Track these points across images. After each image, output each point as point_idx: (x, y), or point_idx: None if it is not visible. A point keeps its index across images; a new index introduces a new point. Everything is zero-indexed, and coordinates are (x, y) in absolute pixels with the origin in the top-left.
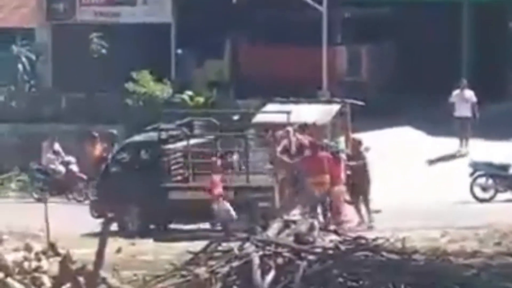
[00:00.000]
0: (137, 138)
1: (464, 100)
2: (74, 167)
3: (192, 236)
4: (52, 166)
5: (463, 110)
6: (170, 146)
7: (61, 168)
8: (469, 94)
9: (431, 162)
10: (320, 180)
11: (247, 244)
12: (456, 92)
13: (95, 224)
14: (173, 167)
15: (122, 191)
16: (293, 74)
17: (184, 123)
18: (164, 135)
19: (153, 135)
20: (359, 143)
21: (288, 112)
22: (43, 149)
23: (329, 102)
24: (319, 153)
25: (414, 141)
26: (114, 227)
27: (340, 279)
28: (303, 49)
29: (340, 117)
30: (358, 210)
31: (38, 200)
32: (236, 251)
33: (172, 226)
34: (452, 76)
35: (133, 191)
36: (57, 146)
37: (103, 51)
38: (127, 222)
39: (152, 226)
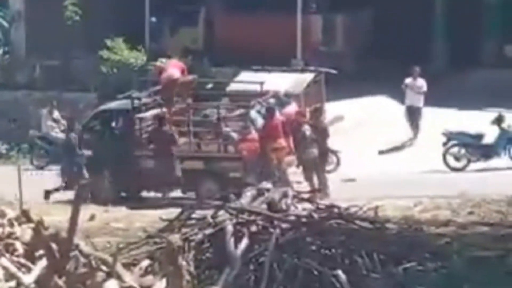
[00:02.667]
0: (110, 105)
1: (416, 88)
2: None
3: (165, 203)
4: (53, 134)
5: (414, 100)
6: (143, 114)
7: (61, 136)
8: (421, 83)
9: (405, 131)
10: (276, 146)
11: (221, 212)
12: (408, 80)
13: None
14: (144, 136)
15: (94, 159)
16: (268, 43)
17: (156, 91)
18: (136, 103)
19: (125, 103)
20: (316, 110)
21: (261, 83)
22: (42, 117)
23: (303, 71)
24: (274, 117)
25: (389, 110)
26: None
27: (313, 247)
28: (278, 17)
29: (314, 86)
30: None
31: (38, 167)
32: (209, 218)
33: (143, 194)
34: (427, 45)
35: (104, 159)
36: (56, 114)
37: (77, 18)
38: (99, 190)
39: (123, 194)
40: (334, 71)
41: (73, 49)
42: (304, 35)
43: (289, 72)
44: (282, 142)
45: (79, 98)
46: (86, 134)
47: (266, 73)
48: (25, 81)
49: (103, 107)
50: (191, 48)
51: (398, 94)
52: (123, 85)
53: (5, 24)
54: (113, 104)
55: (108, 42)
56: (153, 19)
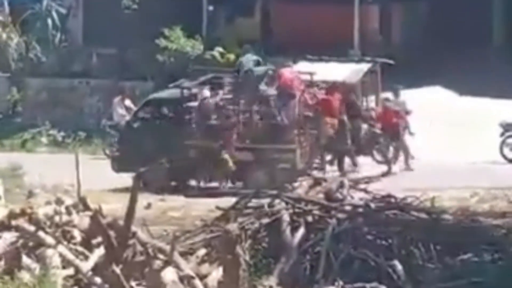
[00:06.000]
0: (160, 94)
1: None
2: None
3: (221, 192)
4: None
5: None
6: (192, 103)
7: None
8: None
9: (462, 121)
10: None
11: (277, 201)
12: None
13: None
14: (194, 125)
15: (143, 147)
16: (325, 33)
17: (206, 80)
18: (186, 92)
19: (175, 92)
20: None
21: (311, 73)
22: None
23: (359, 61)
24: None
25: (445, 101)
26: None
27: (370, 237)
28: (335, 7)
29: (371, 76)
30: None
31: (108, 157)
32: (266, 208)
33: (193, 183)
34: (485, 35)
35: (154, 148)
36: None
37: (135, 6)
38: (151, 178)
39: (173, 183)
40: (390, 61)
41: (129, 38)
42: (361, 25)
43: (346, 62)
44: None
45: (135, 86)
46: (137, 122)
47: (323, 63)
48: (81, 69)
49: (153, 96)
50: (247, 38)
51: (454, 84)
52: (180, 74)
53: (63, 11)
54: (163, 93)
55: (165, 31)
56: (211, 8)
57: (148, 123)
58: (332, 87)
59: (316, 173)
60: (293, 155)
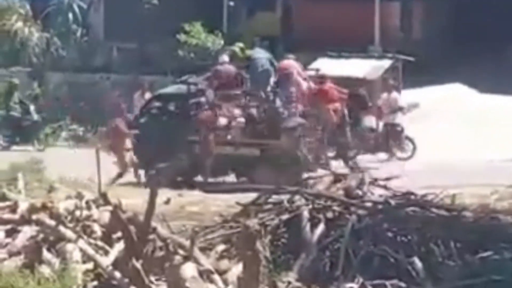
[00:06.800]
0: (167, 90)
1: (389, 104)
2: None
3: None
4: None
5: (389, 117)
6: (199, 99)
7: None
8: (395, 97)
9: (481, 119)
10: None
11: (297, 197)
12: (383, 95)
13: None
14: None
15: (150, 142)
16: (345, 29)
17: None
18: (193, 88)
19: (183, 87)
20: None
21: (317, 70)
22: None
23: (380, 57)
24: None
25: (465, 98)
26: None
27: (390, 234)
28: (356, 3)
29: (391, 73)
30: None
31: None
32: (286, 203)
33: (198, 179)
34: (505, 33)
35: (160, 143)
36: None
37: (155, 1)
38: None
39: (179, 179)
40: (411, 58)
41: (150, 33)
42: (382, 21)
43: (367, 59)
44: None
45: (155, 81)
46: (143, 118)
47: (343, 59)
48: (102, 64)
49: (160, 91)
50: (268, 33)
51: (474, 81)
52: (200, 69)
53: (84, 6)
54: (170, 89)
55: (186, 26)
56: (231, 3)
57: (155, 118)
58: (319, 77)
59: (320, 169)
60: (298, 151)
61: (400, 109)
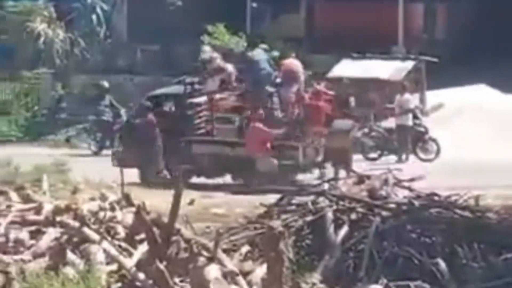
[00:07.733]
0: (162, 90)
1: (401, 104)
2: None
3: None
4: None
5: (402, 118)
6: (195, 99)
7: None
8: (407, 98)
9: (506, 120)
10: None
11: (321, 199)
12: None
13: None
14: (196, 121)
15: (145, 143)
16: (369, 30)
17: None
18: (189, 88)
19: (179, 87)
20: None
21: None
22: None
23: (404, 58)
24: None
25: (489, 99)
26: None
27: (413, 235)
28: (380, 4)
29: (415, 74)
30: None
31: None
32: (310, 205)
33: (194, 179)
34: None
35: (155, 143)
36: None
37: (179, 3)
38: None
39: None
40: (435, 59)
41: (173, 34)
42: (406, 22)
43: (390, 60)
44: None
45: None
46: (138, 118)
47: (367, 60)
48: (126, 66)
49: (155, 92)
50: (292, 35)
51: (499, 83)
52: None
53: (107, 7)
54: (165, 89)
55: (209, 28)
56: (254, 4)
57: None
58: (315, 92)
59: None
60: (296, 152)
61: (411, 110)
